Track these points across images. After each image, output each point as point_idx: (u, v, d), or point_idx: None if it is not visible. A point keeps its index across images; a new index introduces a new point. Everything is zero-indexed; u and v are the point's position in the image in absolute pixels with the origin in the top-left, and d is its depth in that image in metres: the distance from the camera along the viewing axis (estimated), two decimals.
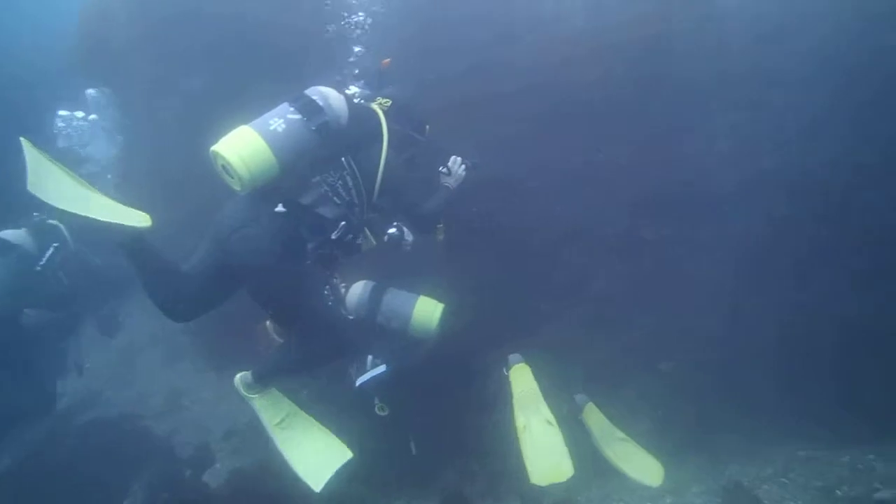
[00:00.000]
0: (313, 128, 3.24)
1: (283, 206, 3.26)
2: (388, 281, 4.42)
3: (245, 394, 3.75)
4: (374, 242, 3.89)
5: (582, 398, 4.38)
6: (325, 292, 4.02)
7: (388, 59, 3.88)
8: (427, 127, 4.06)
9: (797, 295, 4.72)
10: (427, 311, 4.26)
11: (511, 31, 5.14)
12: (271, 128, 3.18)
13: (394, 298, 4.32)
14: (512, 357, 4.34)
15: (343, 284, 4.40)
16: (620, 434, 4.33)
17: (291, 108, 3.27)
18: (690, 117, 4.93)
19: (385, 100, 3.74)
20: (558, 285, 5.08)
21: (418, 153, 4.00)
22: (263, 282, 3.36)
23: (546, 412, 3.95)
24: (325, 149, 3.33)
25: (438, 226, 4.02)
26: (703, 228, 4.87)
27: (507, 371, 4.27)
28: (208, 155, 3.23)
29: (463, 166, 4.04)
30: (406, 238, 3.90)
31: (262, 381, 3.72)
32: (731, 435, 4.55)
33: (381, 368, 4.19)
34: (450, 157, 4.05)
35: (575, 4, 5.10)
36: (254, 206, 3.30)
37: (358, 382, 4.21)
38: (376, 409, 4.22)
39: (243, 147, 3.12)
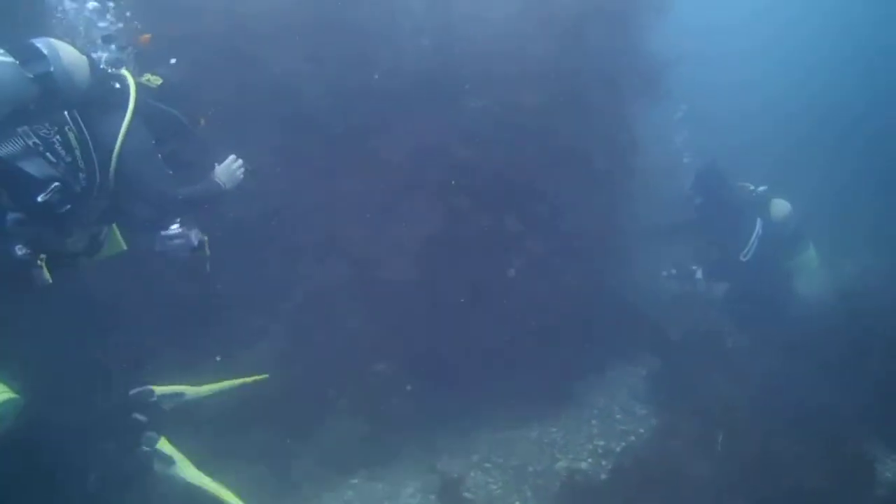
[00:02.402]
0: (30, 75, 2.79)
1: None
2: None
3: None
4: (124, 246, 3.35)
5: (151, 437, 3.45)
6: None
7: (147, 35, 3.40)
8: (201, 120, 3.58)
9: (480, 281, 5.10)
10: None
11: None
12: None
13: None
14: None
15: None
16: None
17: (1, 50, 2.80)
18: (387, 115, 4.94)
19: (154, 77, 3.34)
20: (260, 294, 4.70)
21: (188, 148, 3.52)
22: None
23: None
24: (46, 100, 2.87)
25: (203, 238, 3.38)
26: (400, 227, 4.93)
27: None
28: None
29: (242, 169, 3.55)
30: (192, 241, 3.28)
31: None
32: (443, 428, 4.73)
33: None
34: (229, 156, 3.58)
35: None
36: None
37: None
38: None
39: None
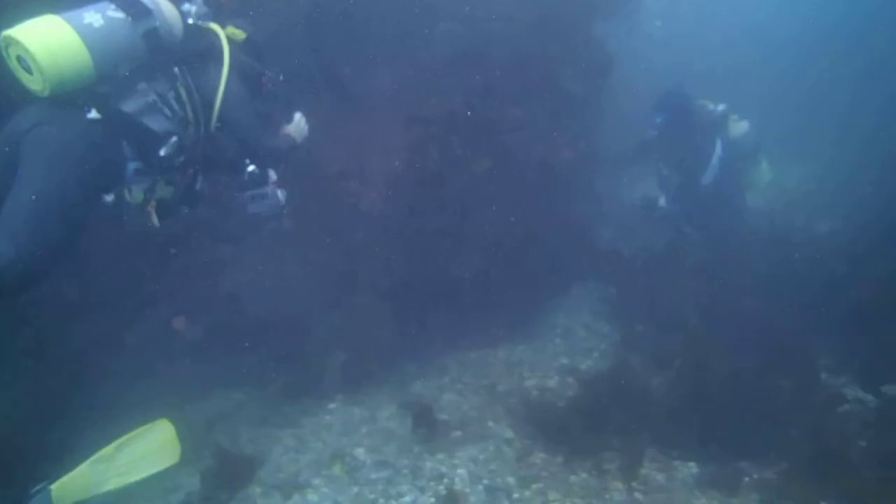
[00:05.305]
0: (140, 31, 2.88)
1: (98, 112, 2.79)
2: None
3: None
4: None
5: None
6: None
7: None
8: (281, 77, 3.71)
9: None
10: None
11: None
12: (86, 21, 2.74)
13: None
14: None
15: None
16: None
17: (112, 6, 2.85)
18: None
19: (239, 31, 3.38)
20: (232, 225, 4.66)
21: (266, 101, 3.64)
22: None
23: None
24: (153, 57, 2.98)
25: (284, 209, 3.58)
26: (372, 158, 4.92)
27: None
28: None
29: (307, 127, 3.75)
30: (280, 199, 3.45)
31: None
32: (417, 353, 4.90)
33: None
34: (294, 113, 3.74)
35: None
36: (60, 111, 2.74)
37: None
38: None
39: (50, 36, 2.63)
